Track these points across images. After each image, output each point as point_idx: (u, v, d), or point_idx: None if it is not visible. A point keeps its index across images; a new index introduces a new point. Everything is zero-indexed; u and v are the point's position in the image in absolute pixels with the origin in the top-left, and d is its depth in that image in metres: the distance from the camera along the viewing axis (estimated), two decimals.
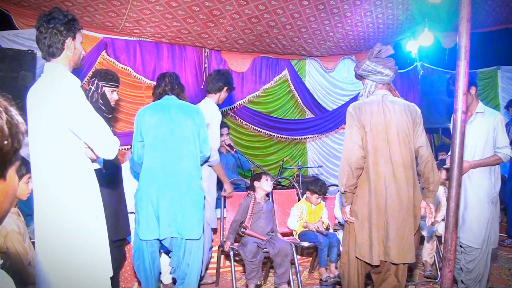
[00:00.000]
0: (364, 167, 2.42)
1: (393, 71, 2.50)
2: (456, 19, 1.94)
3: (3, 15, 3.99)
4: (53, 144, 1.73)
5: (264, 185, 3.40)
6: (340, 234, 3.58)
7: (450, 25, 5.72)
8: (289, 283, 3.15)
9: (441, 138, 6.57)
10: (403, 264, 2.41)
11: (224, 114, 5.49)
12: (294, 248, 3.26)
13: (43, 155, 1.74)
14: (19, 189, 2.20)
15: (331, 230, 3.70)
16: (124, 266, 3.29)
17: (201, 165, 2.85)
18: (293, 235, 3.62)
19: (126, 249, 3.07)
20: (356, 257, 2.46)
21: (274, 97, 5.99)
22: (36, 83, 1.82)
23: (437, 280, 3.54)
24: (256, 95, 5.79)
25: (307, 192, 3.64)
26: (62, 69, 1.82)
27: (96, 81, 2.55)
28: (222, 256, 3.60)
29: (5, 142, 0.72)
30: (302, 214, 3.59)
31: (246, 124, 5.76)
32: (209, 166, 3.17)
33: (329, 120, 6.27)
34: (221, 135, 4.24)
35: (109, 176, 2.48)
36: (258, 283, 3.14)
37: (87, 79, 4.14)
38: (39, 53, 3.63)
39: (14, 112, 0.77)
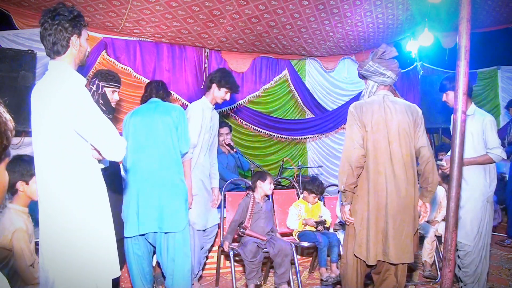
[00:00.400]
0: (364, 166, 2.43)
1: (395, 73, 2.48)
2: (456, 19, 1.94)
3: (3, 15, 3.98)
4: (55, 143, 1.69)
5: (266, 187, 3.40)
6: (340, 234, 3.59)
7: (450, 25, 5.72)
8: (289, 283, 3.16)
9: (441, 138, 6.57)
10: (403, 264, 2.42)
11: (224, 114, 5.49)
12: (294, 248, 3.26)
13: (45, 154, 1.71)
14: (31, 189, 2.21)
15: (331, 230, 3.71)
16: (124, 266, 3.28)
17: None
18: (292, 235, 3.62)
19: None
20: (355, 255, 2.46)
21: (274, 97, 5.98)
22: (40, 81, 1.79)
23: (437, 280, 3.55)
24: (256, 95, 5.78)
25: (305, 191, 3.68)
26: (66, 67, 1.78)
27: (97, 81, 2.56)
28: (222, 256, 3.60)
29: None
30: (300, 213, 3.61)
31: (246, 124, 5.76)
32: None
33: (329, 120, 6.26)
34: (221, 134, 4.25)
35: (111, 175, 2.49)
36: (258, 283, 3.15)
37: (87, 79, 4.13)
38: (39, 53, 3.67)
39: (1, 109, 0.76)
